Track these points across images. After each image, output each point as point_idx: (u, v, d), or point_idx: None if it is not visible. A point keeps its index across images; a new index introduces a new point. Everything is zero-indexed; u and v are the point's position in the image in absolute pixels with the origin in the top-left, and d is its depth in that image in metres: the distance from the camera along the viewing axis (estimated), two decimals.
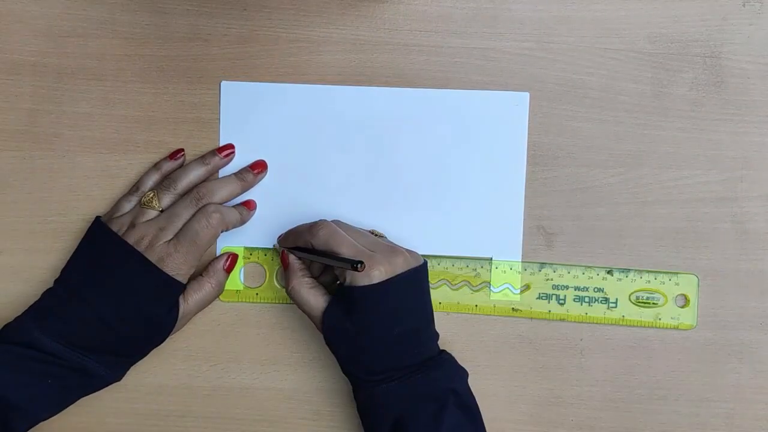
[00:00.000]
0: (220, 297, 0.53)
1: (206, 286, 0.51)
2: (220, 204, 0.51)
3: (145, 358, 0.52)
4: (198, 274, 0.52)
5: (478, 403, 0.48)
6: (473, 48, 0.53)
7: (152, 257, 0.48)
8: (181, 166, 0.53)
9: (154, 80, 0.54)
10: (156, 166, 0.53)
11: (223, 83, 0.53)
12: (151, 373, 0.53)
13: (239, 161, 0.53)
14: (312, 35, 0.54)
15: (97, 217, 0.51)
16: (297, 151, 0.53)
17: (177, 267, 0.49)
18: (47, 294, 0.50)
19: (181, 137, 0.53)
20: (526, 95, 0.53)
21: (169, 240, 0.49)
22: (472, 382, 0.49)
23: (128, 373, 0.51)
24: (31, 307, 0.49)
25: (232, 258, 0.52)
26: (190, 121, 0.53)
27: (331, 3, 0.54)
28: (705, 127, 0.53)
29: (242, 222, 0.52)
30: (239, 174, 0.52)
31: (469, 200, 0.53)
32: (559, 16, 0.53)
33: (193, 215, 0.50)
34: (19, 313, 0.49)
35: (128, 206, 0.51)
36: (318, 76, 0.53)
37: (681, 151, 0.53)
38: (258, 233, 0.53)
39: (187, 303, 0.50)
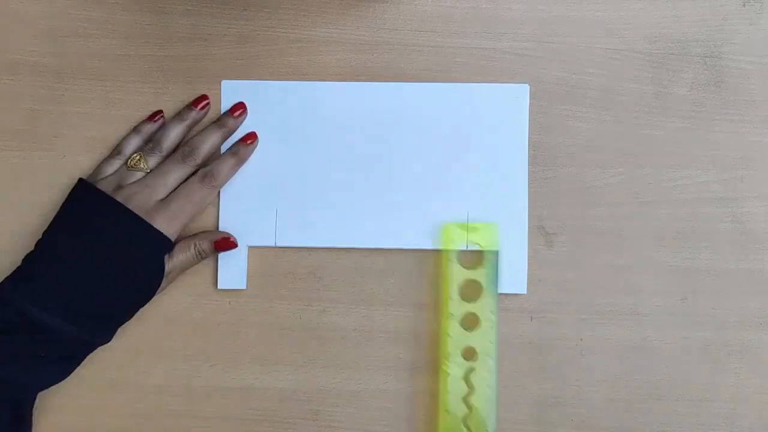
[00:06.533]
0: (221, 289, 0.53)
1: (191, 250, 0.51)
2: (209, 153, 0.51)
3: (146, 358, 0.52)
4: (188, 234, 0.52)
5: None
6: (473, 48, 0.53)
7: (142, 214, 0.48)
8: (161, 127, 0.53)
9: (154, 80, 0.54)
10: (136, 129, 0.53)
11: (224, 82, 0.53)
12: (151, 373, 0.53)
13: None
14: (312, 35, 0.54)
15: (81, 179, 0.51)
16: (298, 147, 0.53)
17: (167, 224, 0.49)
18: (31, 258, 0.49)
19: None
20: (526, 87, 0.53)
21: (161, 198, 0.50)
22: None
23: (128, 372, 0.52)
24: (13, 273, 0.48)
25: (227, 243, 0.52)
26: None
27: (331, 3, 0.54)
28: (705, 127, 0.53)
29: (242, 162, 0.52)
30: (219, 121, 0.52)
31: (471, 194, 0.53)
32: (559, 16, 0.53)
33: (187, 179, 0.51)
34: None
35: (111, 169, 0.51)
36: (318, 76, 0.53)
37: (681, 151, 0.53)
38: (260, 231, 0.53)
39: (172, 261, 0.50)
